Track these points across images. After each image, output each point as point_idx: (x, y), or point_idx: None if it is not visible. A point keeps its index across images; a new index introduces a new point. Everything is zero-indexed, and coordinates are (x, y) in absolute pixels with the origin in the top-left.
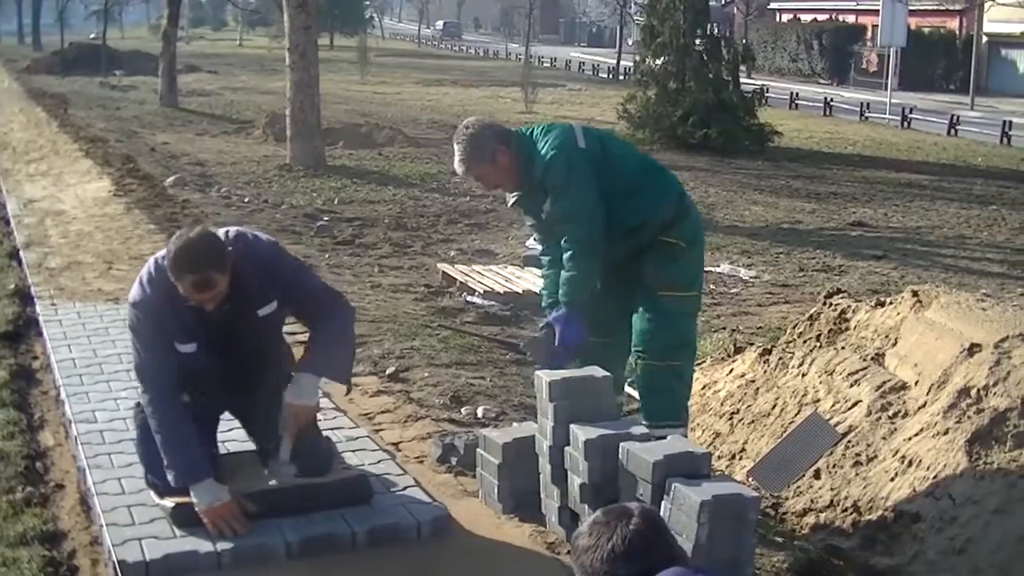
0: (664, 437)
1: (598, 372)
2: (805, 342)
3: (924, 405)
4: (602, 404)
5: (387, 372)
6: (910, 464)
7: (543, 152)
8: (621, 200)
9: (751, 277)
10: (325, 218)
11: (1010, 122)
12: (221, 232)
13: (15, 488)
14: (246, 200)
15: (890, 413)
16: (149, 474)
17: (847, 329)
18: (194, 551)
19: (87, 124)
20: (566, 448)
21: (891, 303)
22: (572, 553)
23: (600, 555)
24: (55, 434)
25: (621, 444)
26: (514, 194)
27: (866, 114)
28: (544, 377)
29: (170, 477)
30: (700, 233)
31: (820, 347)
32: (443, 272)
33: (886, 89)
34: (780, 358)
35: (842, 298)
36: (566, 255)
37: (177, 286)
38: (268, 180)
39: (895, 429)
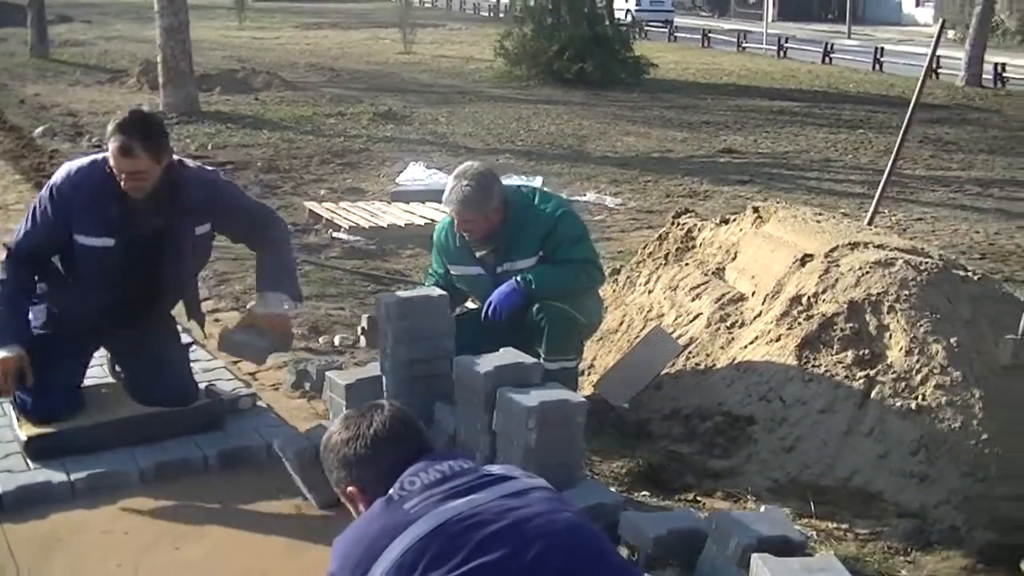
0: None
1: (435, 292)
2: (654, 261)
3: (760, 315)
4: (439, 323)
5: (247, 306)
6: (745, 371)
7: (548, 211)
8: None
9: (617, 204)
10: (197, 163)
11: (882, 49)
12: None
13: None
14: None
15: (728, 324)
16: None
17: (693, 247)
18: (47, 482)
19: None
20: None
21: (735, 220)
22: (326, 451)
23: (364, 442)
24: None
25: (455, 359)
26: (486, 247)
27: (744, 45)
28: (383, 299)
29: None
30: None
31: (667, 265)
32: (310, 210)
33: (764, 20)
34: (628, 277)
35: (689, 217)
36: (579, 274)
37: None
38: None
39: (732, 339)
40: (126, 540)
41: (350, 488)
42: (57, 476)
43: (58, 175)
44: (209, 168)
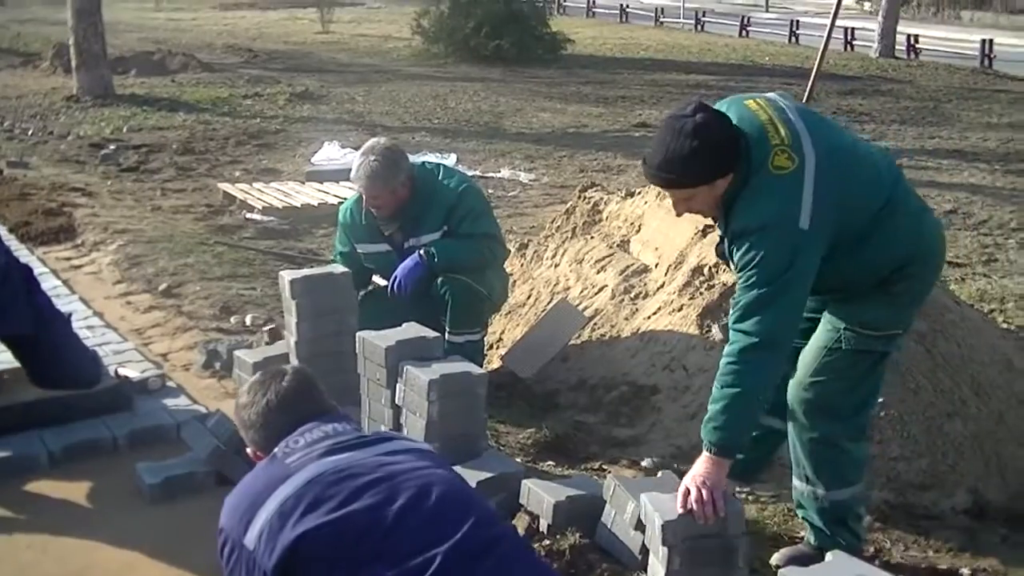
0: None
1: (337, 269)
2: (561, 235)
3: (663, 286)
4: (342, 299)
5: (159, 289)
6: (649, 341)
7: (452, 185)
8: None
9: (531, 180)
10: (111, 147)
11: (797, 21)
12: None
13: None
14: (30, 133)
15: (632, 295)
16: None
17: (600, 221)
18: None
19: None
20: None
21: (639, 193)
22: (235, 411)
23: (257, 409)
24: None
25: (358, 334)
26: (392, 224)
27: (661, 19)
28: (286, 276)
29: None
30: None
31: (573, 238)
32: (224, 191)
33: None
34: (536, 251)
35: (596, 191)
36: (482, 248)
37: None
38: (55, 112)
39: (637, 310)
40: (35, 522)
41: (248, 449)
42: None
43: None
44: None
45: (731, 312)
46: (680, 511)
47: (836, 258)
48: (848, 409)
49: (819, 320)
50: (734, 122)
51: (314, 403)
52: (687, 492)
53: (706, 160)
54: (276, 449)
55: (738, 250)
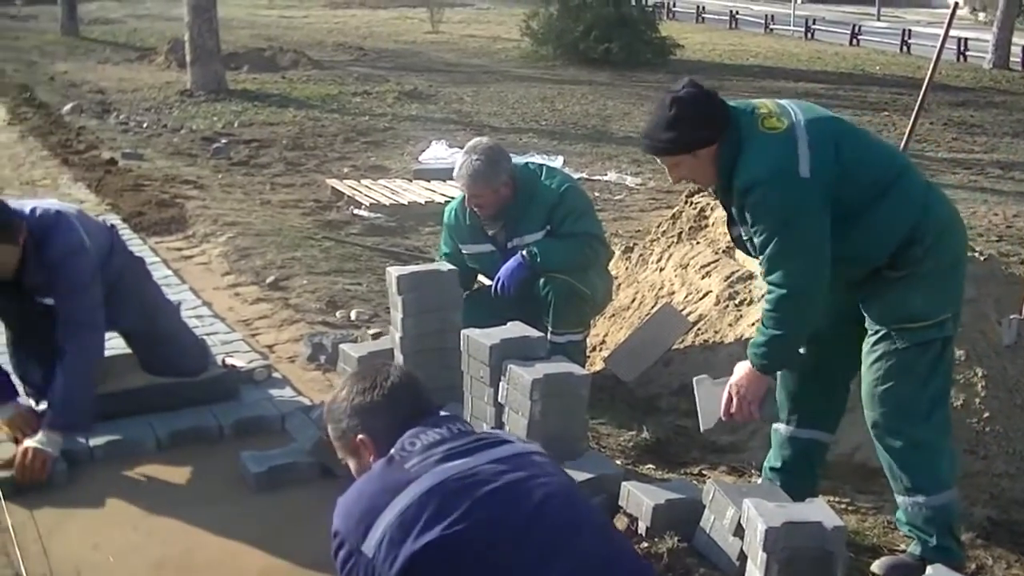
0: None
1: (444, 266)
2: (666, 239)
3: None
4: (447, 297)
5: (267, 281)
6: None
7: (554, 186)
8: None
9: (637, 184)
10: (223, 141)
11: (909, 31)
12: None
13: None
14: (144, 125)
15: (736, 301)
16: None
17: (706, 226)
18: (68, 449)
19: None
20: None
21: None
22: (335, 404)
23: (381, 391)
24: None
25: (463, 332)
26: (495, 224)
27: (771, 26)
28: (393, 272)
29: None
30: None
31: (679, 243)
32: (332, 187)
33: (793, 2)
34: (641, 255)
35: (702, 196)
36: (583, 247)
37: None
38: (168, 105)
39: (741, 316)
40: (141, 505)
41: (360, 437)
42: (76, 444)
43: None
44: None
45: (760, 265)
46: (723, 417)
47: (844, 226)
48: (925, 406)
49: (862, 330)
50: (729, 104)
51: (422, 400)
52: (730, 399)
53: (683, 129)
54: (392, 451)
55: (748, 209)
